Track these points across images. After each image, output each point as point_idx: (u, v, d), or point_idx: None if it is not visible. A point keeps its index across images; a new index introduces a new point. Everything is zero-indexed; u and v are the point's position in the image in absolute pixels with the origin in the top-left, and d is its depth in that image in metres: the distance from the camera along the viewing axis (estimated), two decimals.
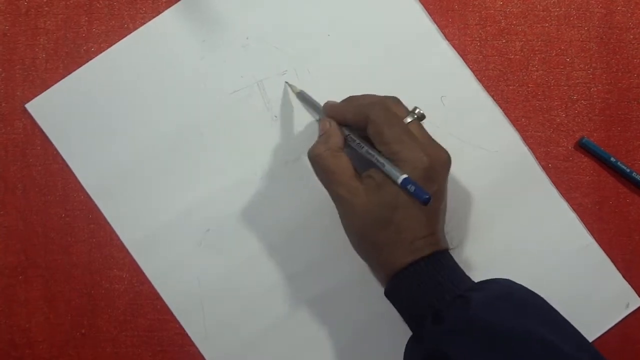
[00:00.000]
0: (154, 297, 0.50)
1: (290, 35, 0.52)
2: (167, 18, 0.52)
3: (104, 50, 0.51)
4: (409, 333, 0.44)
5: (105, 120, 0.51)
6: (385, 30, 0.52)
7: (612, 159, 0.51)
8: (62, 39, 0.52)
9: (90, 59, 0.51)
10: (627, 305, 0.51)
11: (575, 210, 0.51)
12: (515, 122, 0.52)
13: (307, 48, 0.52)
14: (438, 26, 0.53)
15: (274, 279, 0.50)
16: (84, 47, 0.52)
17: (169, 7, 0.52)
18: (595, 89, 0.52)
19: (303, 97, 0.51)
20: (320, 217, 0.50)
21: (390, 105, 0.45)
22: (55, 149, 0.51)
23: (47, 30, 0.52)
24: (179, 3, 0.52)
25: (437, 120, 0.51)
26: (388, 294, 0.45)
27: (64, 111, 0.51)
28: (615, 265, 0.51)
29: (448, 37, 0.53)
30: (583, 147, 0.52)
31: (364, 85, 0.51)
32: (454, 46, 0.52)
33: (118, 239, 0.50)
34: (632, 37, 0.53)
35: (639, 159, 0.52)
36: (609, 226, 0.52)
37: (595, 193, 0.52)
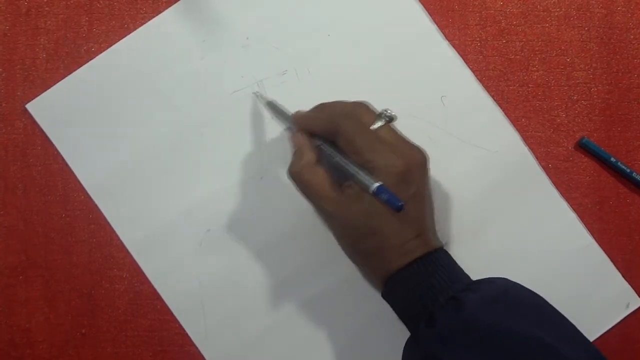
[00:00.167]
0: (154, 297, 0.50)
1: (291, 35, 0.52)
2: (167, 18, 0.52)
3: (104, 50, 0.51)
4: (408, 333, 0.44)
5: (106, 120, 0.51)
6: (386, 30, 0.52)
7: (612, 159, 0.51)
8: (62, 39, 0.52)
9: (91, 59, 0.51)
10: (627, 305, 0.51)
11: (575, 210, 0.51)
12: (515, 122, 0.52)
13: (307, 48, 0.52)
14: (438, 26, 0.53)
15: (274, 279, 0.50)
16: (85, 47, 0.52)
17: (169, 7, 0.52)
18: (596, 89, 0.52)
19: (273, 107, 0.50)
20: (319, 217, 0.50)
21: (358, 113, 0.44)
22: (56, 149, 0.51)
23: (47, 30, 0.52)
24: (179, 3, 0.52)
25: (437, 120, 0.51)
26: (385, 298, 0.45)
27: (64, 111, 0.51)
28: (615, 265, 0.51)
29: (448, 37, 0.53)
30: (583, 147, 0.52)
31: (364, 85, 0.51)
32: (454, 46, 0.52)
33: (118, 239, 0.50)
34: (632, 37, 0.53)
35: (639, 159, 0.52)
36: (609, 226, 0.52)
37: (596, 193, 0.52)
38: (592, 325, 0.50)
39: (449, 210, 0.51)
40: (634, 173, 0.51)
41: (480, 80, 0.52)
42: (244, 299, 0.50)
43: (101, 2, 0.52)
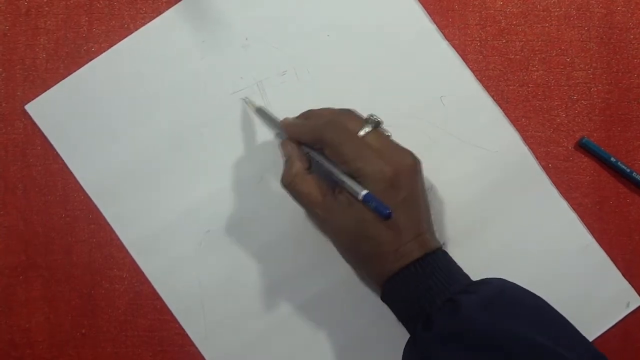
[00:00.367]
0: (154, 297, 0.50)
1: (290, 36, 0.52)
2: (167, 19, 0.52)
3: (104, 50, 0.51)
4: (408, 334, 0.44)
5: (105, 121, 0.51)
6: (385, 31, 0.52)
7: (612, 159, 0.51)
8: (62, 39, 0.52)
9: (91, 59, 0.51)
10: (628, 305, 0.51)
11: (575, 210, 0.51)
12: (515, 122, 0.52)
13: (306, 48, 0.52)
14: (438, 26, 0.53)
15: (274, 279, 0.50)
16: (85, 47, 0.52)
17: (169, 7, 0.52)
18: (596, 89, 0.52)
19: (262, 113, 0.50)
20: None
21: (344, 121, 0.44)
22: (56, 149, 0.51)
23: (47, 30, 0.52)
24: (179, 4, 0.52)
25: (437, 120, 0.51)
26: (383, 300, 0.45)
27: (64, 112, 0.51)
28: (616, 265, 0.51)
29: (448, 37, 0.53)
30: (583, 147, 0.52)
31: (364, 86, 0.51)
32: (454, 46, 0.52)
33: (118, 239, 0.50)
34: (632, 37, 0.53)
35: (639, 159, 0.52)
36: (609, 226, 0.52)
37: (596, 193, 0.52)
38: (593, 324, 0.50)
39: (449, 210, 0.51)
40: (634, 173, 0.51)
41: (480, 80, 0.52)
42: (244, 299, 0.50)
43: (101, 2, 0.52)
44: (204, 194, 0.50)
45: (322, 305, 0.50)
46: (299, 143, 0.47)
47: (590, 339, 0.50)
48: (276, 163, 0.51)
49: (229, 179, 0.51)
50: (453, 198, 0.51)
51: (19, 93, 0.51)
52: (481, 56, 0.53)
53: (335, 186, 0.45)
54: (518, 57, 0.53)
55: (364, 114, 0.45)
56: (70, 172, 0.51)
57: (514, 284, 0.43)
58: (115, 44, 0.52)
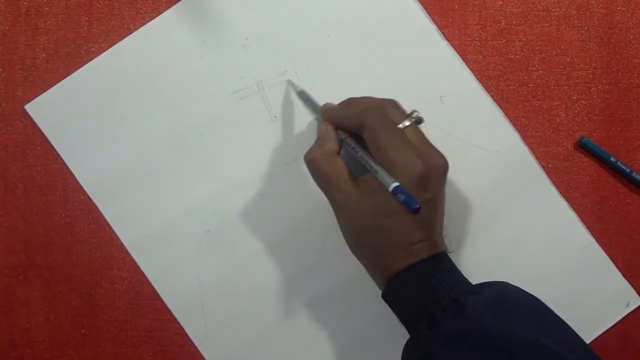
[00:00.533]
0: (154, 297, 0.50)
1: (290, 36, 0.52)
2: (166, 19, 0.52)
3: (104, 50, 0.51)
4: (408, 335, 0.44)
5: (105, 121, 0.51)
6: (385, 31, 0.52)
7: (612, 159, 0.51)
8: (62, 39, 0.52)
9: (91, 59, 0.51)
10: (628, 305, 0.51)
11: (575, 210, 0.51)
12: (515, 122, 0.52)
13: (306, 48, 0.52)
14: (438, 26, 0.53)
15: (274, 279, 0.50)
16: (84, 47, 0.52)
17: (169, 7, 0.52)
18: (595, 89, 0.52)
19: (304, 97, 0.50)
20: (320, 217, 0.50)
21: (387, 110, 0.44)
22: (55, 149, 0.51)
23: (47, 30, 0.52)
24: (179, 3, 0.52)
25: (437, 120, 0.51)
26: (385, 297, 0.45)
27: (64, 112, 0.51)
28: (616, 265, 0.51)
29: (448, 37, 0.53)
30: (583, 147, 0.52)
31: (364, 85, 0.51)
32: (454, 46, 0.52)
33: (118, 239, 0.50)
34: (632, 37, 0.53)
35: (639, 159, 0.52)
36: (609, 226, 0.52)
37: (595, 193, 0.52)
38: (593, 324, 0.50)
39: (448, 210, 0.51)
40: (634, 173, 0.51)
41: (480, 80, 0.52)
42: (244, 300, 0.50)
43: (101, 2, 0.52)
44: (204, 194, 0.50)
45: (322, 305, 0.50)
46: (336, 128, 0.46)
47: (590, 339, 0.50)
48: (277, 163, 0.51)
49: (229, 179, 0.51)
50: (453, 198, 0.51)
51: (18, 93, 0.51)
52: (481, 56, 0.53)
53: (360, 175, 0.45)
54: (518, 57, 0.53)
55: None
56: (70, 172, 0.51)
57: (517, 287, 0.43)
58: (115, 44, 0.52)
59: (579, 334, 0.41)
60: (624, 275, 0.51)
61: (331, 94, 0.49)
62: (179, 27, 0.52)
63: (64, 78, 0.51)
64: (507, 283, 0.43)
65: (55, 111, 0.51)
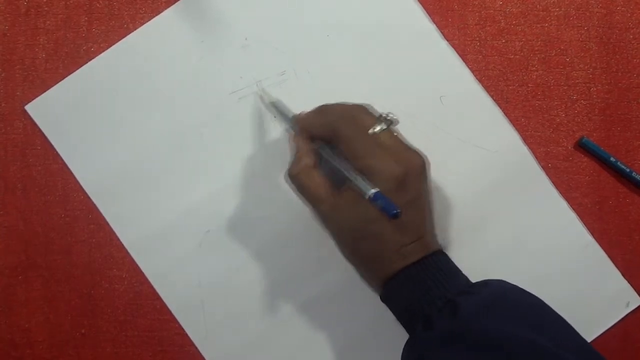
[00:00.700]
0: (154, 297, 0.50)
1: (290, 36, 0.52)
2: (166, 18, 0.52)
3: (103, 50, 0.51)
4: (407, 334, 0.44)
5: (105, 122, 0.51)
6: (384, 31, 0.52)
7: (612, 159, 0.51)
8: (62, 39, 0.52)
9: (90, 59, 0.51)
10: (628, 304, 0.51)
11: (575, 210, 0.51)
12: (515, 122, 0.52)
13: (306, 48, 0.52)
14: (438, 26, 0.52)
15: (274, 279, 0.50)
16: (84, 47, 0.52)
17: (169, 7, 0.52)
18: (595, 89, 0.52)
19: (276, 107, 0.50)
20: None
21: (358, 116, 0.44)
22: (55, 149, 0.51)
23: (46, 30, 0.52)
24: (178, 3, 0.52)
25: (437, 120, 0.51)
26: (383, 300, 0.45)
27: (63, 112, 0.51)
28: (615, 265, 0.51)
29: (448, 37, 0.53)
30: (583, 147, 0.52)
31: (363, 85, 0.51)
32: (453, 46, 0.52)
33: (118, 239, 0.50)
34: (631, 36, 0.53)
35: (638, 159, 0.52)
36: (609, 226, 0.52)
37: (595, 193, 0.52)
38: (593, 324, 0.50)
39: (448, 210, 0.51)
40: (634, 173, 0.51)
41: (480, 80, 0.52)
42: (244, 300, 0.50)
43: (100, 2, 0.52)
44: (204, 194, 0.50)
45: (322, 305, 0.50)
46: (310, 138, 0.46)
47: (590, 339, 0.50)
48: (276, 163, 0.51)
49: (229, 179, 0.51)
50: (452, 198, 0.51)
51: (18, 93, 0.51)
52: (481, 56, 0.53)
53: (341, 184, 0.45)
54: (517, 57, 0.53)
55: (379, 111, 0.45)
56: (70, 172, 0.51)
57: (514, 285, 0.43)
58: (114, 44, 0.52)
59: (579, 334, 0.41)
60: (623, 275, 0.51)
61: (331, 94, 0.49)
62: (178, 26, 0.52)
63: (63, 78, 0.51)
64: (504, 281, 0.43)
65: (55, 111, 0.51)
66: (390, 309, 0.45)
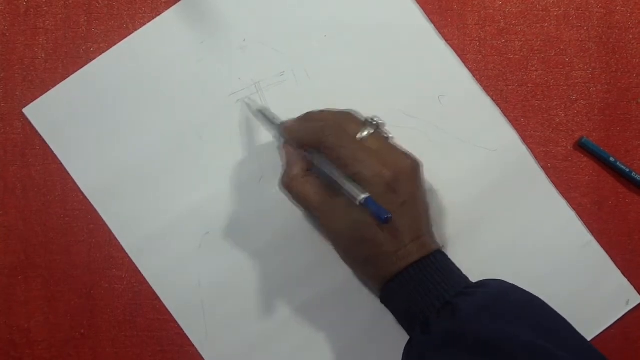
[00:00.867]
0: (154, 297, 0.50)
1: (288, 37, 0.52)
2: (165, 20, 0.52)
3: (103, 50, 0.51)
4: (408, 335, 0.44)
5: (103, 124, 0.51)
6: (383, 31, 0.52)
7: (612, 159, 0.51)
8: (61, 39, 0.52)
9: (90, 59, 0.51)
10: (627, 302, 0.51)
11: (574, 210, 0.51)
12: (514, 122, 0.52)
13: (304, 49, 0.52)
14: (437, 26, 0.52)
15: (274, 281, 0.50)
16: (83, 47, 0.52)
17: (168, 7, 0.52)
18: (595, 89, 0.52)
19: (262, 115, 0.50)
20: None
21: (343, 123, 0.44)
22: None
23: (46, 30, 0.52)
24: (177, 4, 0.52)
25: (436, 120, 0.51)
26: (382, 302, 0.45)
27: (61, 115, 0.51)
28: (615, 264, 0.51)
29: (447, 37, 0.52)
30: (582, 146, 0.52)
31: (362, 86, 0.51)
32: (452, 46, 0.52)
33: (117, 239, 0.50)
34: (631, 37, 0.53)
35: (638, 159, 0.52)
36: (609, 226, 0.52)
37: (595, 193, 0.52)
38: (592, 322, 0.50)
39: (448, 210, 0.51)
40: (633, 173, 0.51)
41: (479, 80, 0.52)
42: (244, 300, 0.50)
43: (100, 1, 0.52)
44: (203, 196, 0.50)
45: (322, 306, 0.50)
46: (299, 145, 0.46)
47: (590, 337, 0.50)
48: (275, 164, 0.51)
49: (228, 180, 0.51)
50: (452, 198, 0.51)
51: (17, 93, 0.51)
52: (480, 56, 0.53)
53: (334, 189, 0.45)
54: (517, 57, 0.53)
55: (365, 115, 0.45)
56: (69, 173, 0.51)
57: (513, 285, 0.43)
58: (114, 44, 0.52)
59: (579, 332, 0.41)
60: (623, 274, 0.51)
61: (329, 95, 0.49)
62: (177, 28, 0.52)
63: (63, 78, 0.51)
64: (503, 281, 0.43)
65: (53, 114, 0.51)
66: (390, 311, 0.45)
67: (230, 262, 0.50)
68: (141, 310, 0.50)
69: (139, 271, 0.50)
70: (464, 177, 0.51)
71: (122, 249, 0.50)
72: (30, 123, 0.51)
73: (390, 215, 0.40)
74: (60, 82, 0.51)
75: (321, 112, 0.47)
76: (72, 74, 0.51)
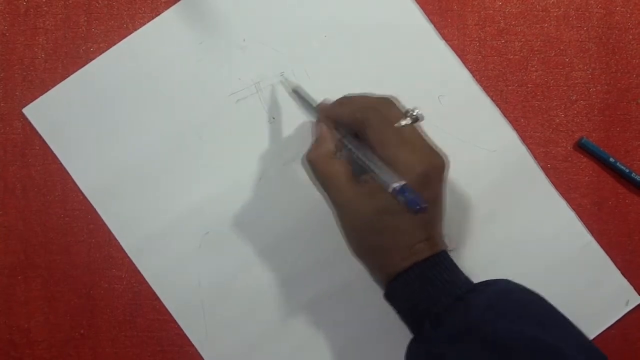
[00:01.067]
0: (153, 297, 0.50)
1: (288, 37, 0.52)
2: (165, 20, 0.52)
3: (103, 50, 0.51)
4: (409, 335, 0.44)
5: (103, 124, 0.51)
6: (383, 31, 0.52)
7: (612, 159, 0.51)
8: (61, 39, 0.52)
9: (90, 59, 0.51)
10: (627, 303, 0.51)
11: (574, 210, 0.51)
12: (514, 122, 0.52)
13: (304, 49, 0.52)
14: (437, 26, 0.52)
15: (273, 280, 0.50)
16: (83, 47, 0.52)
17: (168, 7, 0.52)
18: (595, 89, 0.52)
19: (298, 95, 0.50)
20: (318, 218, 0.50)
21: (385, 109, 0.44)
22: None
23: (46, 30, 0.52)
24: (177, 4, 0.52)
25: (436, 120, 0.51)
26: (387, 297, 0.45)
27: (61, 115, 0.51)
28: (615, 264, 0.51)
29: (447, 37, 0.52)
30: (582, 147, 0.52)
31: (362, 86, 0.51)
32: (452, 46, 0.52)
33: (117, 239, 0.50)
34: (631, 37, 0.53)
35: (638, 159, 0.52)
36: (609, 226, 0.52)
37: (595, 193, 0.52)
38: (593, 322, 0.50)
39: (447, 209, 0.51)
40: (633, 173, 0.51)
41: (479, 80, 0.52)
42: (244, 301, 0.50)
43: (100, 1, 0.52)
44: (202, 196, 0.50)
45: (322, 306, 0.50)
46: (334, 127, 0.46)
47: (591, 337, 0.50)
48: (275, 164, 0.51)
49: (227, 180, 0.51)
50: (451, 197, 0.51)
51: (17, 93, 0.51)
52: (480, 56, 0.53)
53: (361, 174, 0.44)
54: (517, 57, 0.53)
55: (406, 106, 0.45)
56: (69, 173, 0.51)
57: (519, 284, 0.43)
58: (114, 44, 0.52)
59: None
60: (623, 274, 0.51)
61: (329, 95, 0.49)
62: (177, 28, 0.52)
63: (62, 78, 0.51)
64: (508, 280, 0.43)
65: (53, 114, 0.51)
66: (395, 307, 0.45)
67: (230, 262, 0.50)
68: (141, 310, 0.50)
69: (139, 271, 0.50)
70: (463, 177, 0.51)
71: (122, 249, 0.50)
72: (30, 123, 0.51)
73: (426, 206, 0.40)
74: (60, 82, 0.51)
75: (362, 95, 0.46)
76: (72, 74, 0.51)
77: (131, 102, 0.51)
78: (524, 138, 0.52)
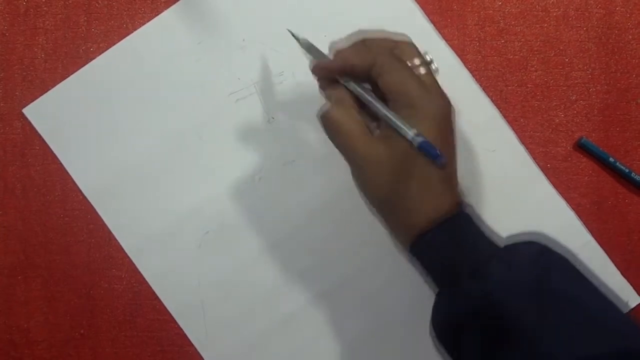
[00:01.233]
0: (153, 297, 0.50)
1: (288, 37, 0.52)
2: (164, 20, 0.52)
3: (103, 50, 0.51)
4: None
5: (103, 124, 0.51)
6: (383, 30, 0.52)
7: (611, 159, 0.51)
8: (61, 39, 0.52)
9: (89, 59, 0.51)
10: (627, 303, 0.51)
11: (574, 210, 0.52)
12: (513, 122, 0.52)
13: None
14: (437, 26, 0.52)
15: (273, 280, 0.50)
16: (83, 47, 0.52)
17: (168, 7, 0.52)
18: (594, 89, 0.52)
19: (308, 47, 0.47)
20: (318, 217, 0.50)
21: (401, 49, 0.43)
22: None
23: (46, 30, 0.52)
24: (176, 4, 0.52)
25: None
26: (413, 251, 0.42)
27: (61, 115, 0.51)
28: (614, 264, 0.51)
29: (447, 37, 0.53)
30: (582, 147, 0.52)
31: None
32: (452, 46, 0.52)
33: (117, 239, 0.50)
34: (630, 37, 0.53)
35: (637, 159, 0.52)
36: (608, 226, 0.52)
37: (594, 193, 0.52)
38: None
39: None
40: (633, 173, 0.51)
41: (479, 80, 0.52)
42: (243, 300, 0.50)
43: (100, 1, 0.52)
44: (202, 196, 0.50)
45: (322, 306, 0.50)
46: (348, 76, 0.44)
47: None
48: (275, 164, 0.51)
49: (228, 180, 0.51)
50: None
51: (17, 93, 0.51)
52: (480, 56, 0.53)
53: (376, 124, 0.43)
54: (517, 57, 0.53)
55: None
56: (69, 173, 0.51)
57: (550, 248, 0.42)
58: (114, 44, 0.52)
59: None
60: (622, 274, 0.51)
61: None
62: (177, 28, 0.52)
63: (62, 78, 0.51)
64: (540, 244, 0.43)
65: (53, 114, 0.51)
66: (422, 260, 0.42)
67: (230, 262, 0.50)
68: (141, 310, 0.50)
69: (139, 271, 0.50)
70: (463, 177, 0.51)
71: (122, 249, 0.50)
72: (30, 123, 0.51)
73: (446, 159, 0.39)
74: (60, 82, 0.51)
75: (377, 38, 0.44)
76: (71, 74, 0.51)
77: (131, 102, 0.51)
78: (523, 138, 0.52)
